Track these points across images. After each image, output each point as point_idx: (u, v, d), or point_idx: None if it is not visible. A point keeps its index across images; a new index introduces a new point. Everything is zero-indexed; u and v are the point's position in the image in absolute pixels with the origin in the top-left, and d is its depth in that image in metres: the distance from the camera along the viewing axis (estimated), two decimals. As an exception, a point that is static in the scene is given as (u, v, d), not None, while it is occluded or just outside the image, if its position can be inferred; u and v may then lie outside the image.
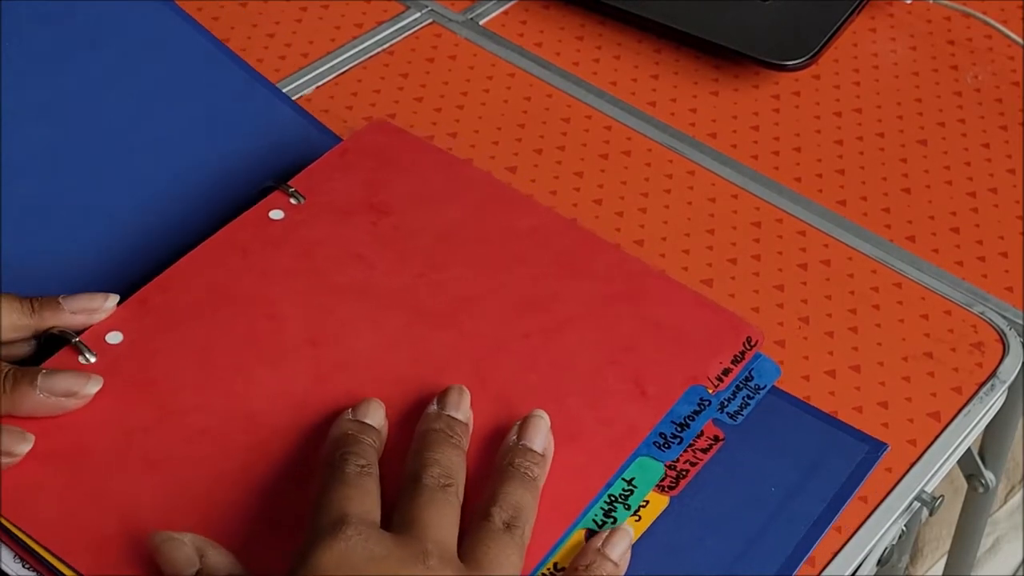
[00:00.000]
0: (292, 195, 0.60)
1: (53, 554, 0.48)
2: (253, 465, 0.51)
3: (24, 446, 0.50)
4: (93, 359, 0.54)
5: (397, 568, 0.45)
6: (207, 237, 0.59)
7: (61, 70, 0.64)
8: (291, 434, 0.52)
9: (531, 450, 0.51)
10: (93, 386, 0.52)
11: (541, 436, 0.52)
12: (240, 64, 0.68)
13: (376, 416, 0.52)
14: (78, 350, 0.54)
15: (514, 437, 0.52)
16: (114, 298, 0.55)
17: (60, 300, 0.54)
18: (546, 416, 0.52)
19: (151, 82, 0.65)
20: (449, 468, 0.50)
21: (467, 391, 0.53)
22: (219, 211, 0.61)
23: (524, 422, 0.52)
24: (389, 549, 0.46)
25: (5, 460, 0.50)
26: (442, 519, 0.48)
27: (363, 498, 0.48)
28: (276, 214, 0.60)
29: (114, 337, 0.55)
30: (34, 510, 0.49)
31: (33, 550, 0.48)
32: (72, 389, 0.51)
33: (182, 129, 0.65)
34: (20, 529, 0.48)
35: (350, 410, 0.52)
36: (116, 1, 0.67)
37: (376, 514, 0.48)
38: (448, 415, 0.52)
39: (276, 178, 0.61)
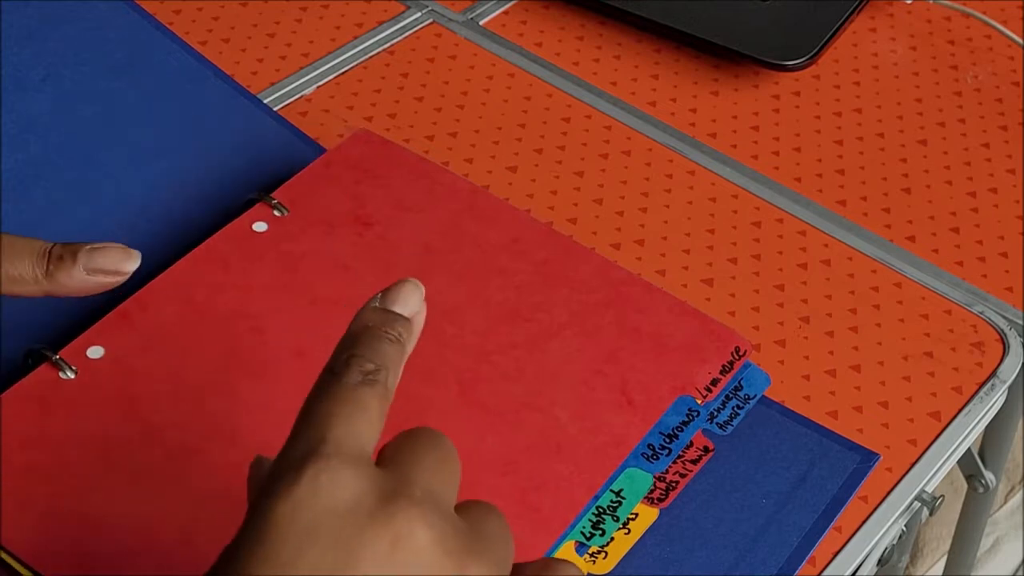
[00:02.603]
0: (276, 207, 0.60)
1: (33, 570, 0.48)
2: (236, 481, 0.51)
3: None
4: (73, 375, 0.53)
5: (367, 524, 0.34)
6: (191, 251, 0.58)
7: (40, 87, 0.64)
8: (274, 449, 0.52)
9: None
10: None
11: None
12: (222, 76, 0.67)
13: (409, 302, 0.41)
14: (58, 366, 0.53)
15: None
16: (136, 257, 0.49)
17: (81, 254, 0.49)
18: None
19: (132, 97, 0.65)
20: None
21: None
22: (202, 224, 0.61)
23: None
24: (364, 491, 0.35)
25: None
26: (357, 421, 0.37)
27: (354, 416, 0.37)
28: (260, 226, 0.59)
29: (95, 352, 0.54)
30: (14, 526, 0.48)
31: (11, 567, 0.48)
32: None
33: (164, 143, 0.64)
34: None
35: (378, 295, 0.41)
36: (94, 18, 0.67)
37: (370, 439, 0.37)
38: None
39: (259, 190, 0.61)
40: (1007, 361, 0.63)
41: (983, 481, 0.77)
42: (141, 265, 0.59)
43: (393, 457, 0.37)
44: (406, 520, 0.34)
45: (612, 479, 0.53)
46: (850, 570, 0.55)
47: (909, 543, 0.64)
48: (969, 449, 0.70)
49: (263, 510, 0.35)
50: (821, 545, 0.55)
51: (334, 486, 0.35)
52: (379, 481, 0.35)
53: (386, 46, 0.78)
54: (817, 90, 0.78)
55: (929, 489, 0.59)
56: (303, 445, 0.36)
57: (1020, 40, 0.81)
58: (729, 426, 0.56)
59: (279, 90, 0.74)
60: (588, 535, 0.52)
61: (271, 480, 0.36)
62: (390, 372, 0.39)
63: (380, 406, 0.38)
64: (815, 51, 0.77)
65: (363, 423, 0.37)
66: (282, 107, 0.73)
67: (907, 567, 1.30)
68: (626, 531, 0.53)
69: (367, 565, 0.33)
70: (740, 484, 0.56)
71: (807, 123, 0.76)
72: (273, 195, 0.60)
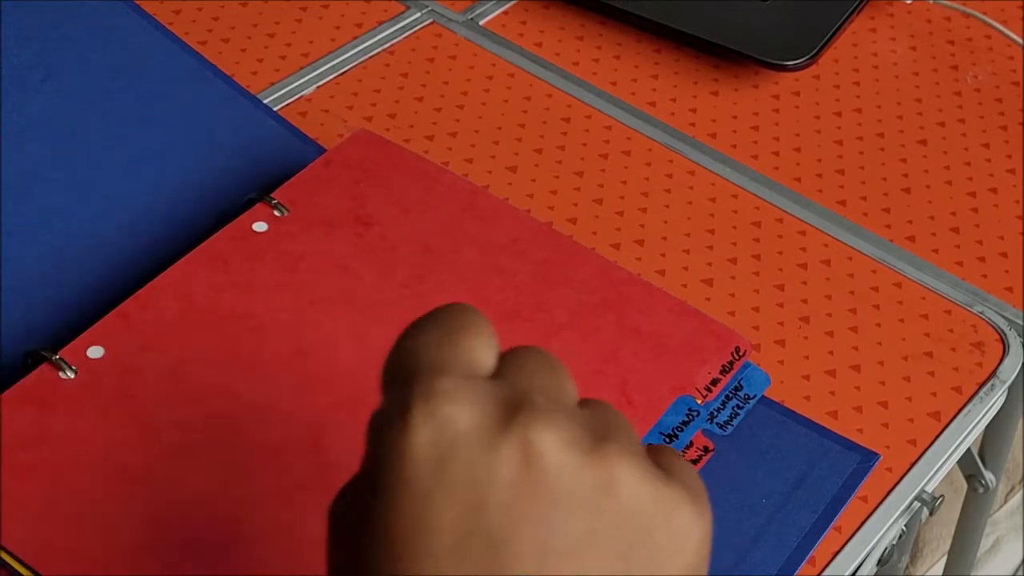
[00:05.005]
0: (276, 207, 0.60)
1: (33, 570, 0.47)
2: (236, 481, 0.51)
3: None
4: (73, 375, 0.53)
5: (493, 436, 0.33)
6: (191, 251, 0.58)
7: (41, 88, 0.64)
8: (274, 448, 0.52)
9: None
10: None
11: None
12: (222, 76, 0.67)
13: None
14: (58, 366, 0.53)
15: None
16: None
17: None
18: None
19: (132, 98, 0.65)
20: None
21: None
22: (202, 224, 0.61)
23: None
24: (484, 410, 0.33)
25: None
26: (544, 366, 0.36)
27: (468, 342, 0.35)
28: (260, 226, 0.59)
29: (95, 351, 0.54)
30: (14, 526, 0.48)
31: (11, 567, 0.48)
32: None
33: (164, 143, 0.64)
34: None
35: None
36: (94, 18, 0.67)
37: (485, 356, 0.35)
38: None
39: (259, 190, 0.61)
40: (1007, 361, 0.63)
41: (983, 481, 0.77)
42: (141, 265, 0.59)
43: (504, 371, 0.36)
44: (533, 431, 0.33)
45: (612, 479, 0.53)
46: (850, 570, 0.55)
47: (909, 543, 0.64)
48: (969, 449, 0.70)
49: (382, 452, 0.33)
50: (821, 545, 0.55)
51: (454, 410, 0.33)
52: (497, 395, 0.34)
53: (386, 46, 0.78)
54: (817, 90, 0.78)
55: (929, 489, 0.59)
56: (405, 378, 0.35)
57: (1020, 40, 0.81)
58: (729, 426, 0.56)
59: (279, 90, 0.74)
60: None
61: (383, 421, 0.34)
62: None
63: (488, 325, 0.36)
64: (815, 51, 0.77)
65: (472, 339, 0.35)
66: (282, 107, 0.73)
67: (907, 567, 1.30)
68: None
69: (505, 483, 0.33)
70: (740, 484, 0.56)
71: (807, 123, 0.76)
72: (273, 195, 0.60)
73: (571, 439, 0.34)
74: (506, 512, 0.33)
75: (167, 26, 0.69)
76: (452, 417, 0.33)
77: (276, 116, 0.68)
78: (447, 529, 0.33)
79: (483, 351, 0.35)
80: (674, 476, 0.35)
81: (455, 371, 0.34)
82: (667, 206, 0.70)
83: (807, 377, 0.62)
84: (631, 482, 0.34)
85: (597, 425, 0.35)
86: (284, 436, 0.52)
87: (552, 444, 0.33)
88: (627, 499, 0.33)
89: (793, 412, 0.59)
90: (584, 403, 0.37)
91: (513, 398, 0.34)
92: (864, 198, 0.72)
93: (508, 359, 0.36)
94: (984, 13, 0.82)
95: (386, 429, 0.34)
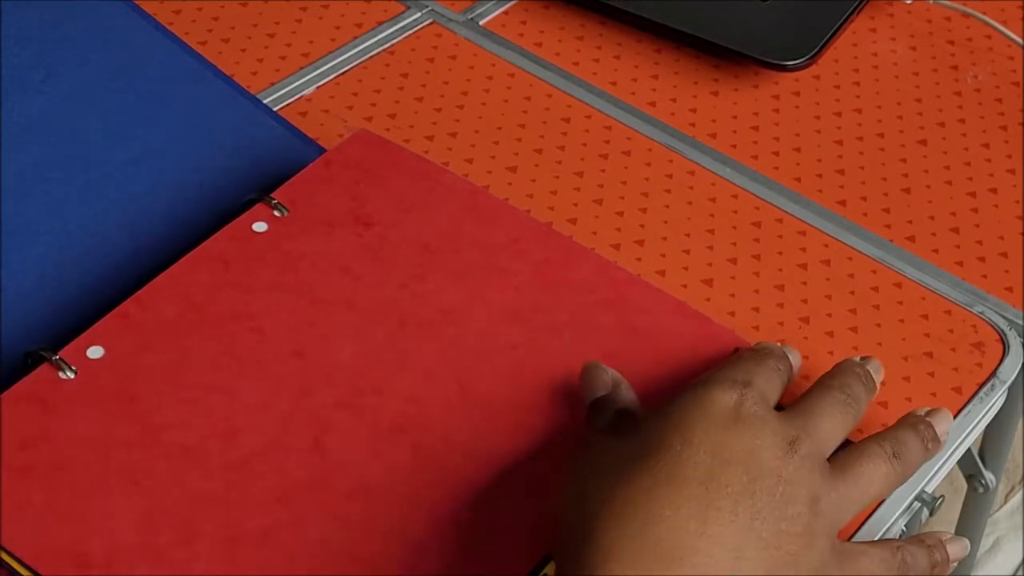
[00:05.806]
0: (276, 207, 0.60)
1: (33, 570, 0.48)
2: (235, 482, 0.51)
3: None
4: (73, 375, 0.53)
5: (763, 440, 0.49)
6: (191, 251, 0.58)
7: (40, 88, 0.64)
8: (273, 449, 0.52)
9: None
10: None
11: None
12: (222, 76, 0.67)
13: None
14: (58, 367, 0.53)
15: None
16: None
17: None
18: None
19: (132, 98, 0.65)
20: (858, 397, 0.54)
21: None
22: (202, 224, 0.61)
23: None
24: (767, 420, 0.49)
25: None
26: (834, 421, 0.52)
27: (770, 378, 0.52)
28: (259, 227, 0.59)
29: (95, 352, 0.54)
30: (13, 527, 0.48)
31: (11, 567, 0.48)
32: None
33: (164, 143, 0.64)
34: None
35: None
36: (94, 18, 0.67)
37: (775, 397, 0.52)
38: (867, 370, 0.56)
39: (259, 190, 0.61)
40: (1007, 361, 0.63)
41: (983, 481, 0.77)
42: (141, 265, 0.59)
43: (803, 403, 0.53)
44: (797, 458, 0.49)
45: (612, 479, 0.53)
46: (850, 570, 0.55)
47: (909, 543, 0.64)
48: (969, 449, 0.70)
49: (700, 394, 0.50)
50: (821, 545, 0.55)
51: (755, 404, 0.50)
52: (783, 422, 0.50)
53: (386, 46, 0.78)
54: (817, 90, 0.78)
55: (929, 489, 0.59)
56: (733, 377, 0.51)
57: (1020, 40, 0.81)
58: (729, 426, 0.56)
59: (279, 90, 0.74)
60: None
61: (700, 388, 0.51)
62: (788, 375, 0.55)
63: (782, 385, 0.54)
64: (815, 51, 0.77)
65: (776, 385, 0.53)
66: (282, 107, 0.73)
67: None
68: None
69: (768, 456, 0.48)
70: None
71: (807, 123, 0.76)
72: (273, 195, 0.60)
73: (815, 468, 0.49)
74: (737, 475, 0.47)
75: (167, 26, 0.69)
76: (756, 403, 0.50)
77: (276, 116, 0.68)
78: (723, 455, 0.48)
79: (777, 388, 0.53)
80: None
81: (762, 391, 0.51)
82: (667, 206, 0.70)
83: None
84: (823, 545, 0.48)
85: (838, 474, 0.51)
86: (284, 436, 0.52)
87: (804, 472, 0.49)
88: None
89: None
90: (841, 460, 0.52)
91: (796, 436, 0.50)
92: (864, 198, 0.72)
93: (815, 401, 0.53)
94: (984, 13, 0.82)
95: (710, 387, 0.50)
